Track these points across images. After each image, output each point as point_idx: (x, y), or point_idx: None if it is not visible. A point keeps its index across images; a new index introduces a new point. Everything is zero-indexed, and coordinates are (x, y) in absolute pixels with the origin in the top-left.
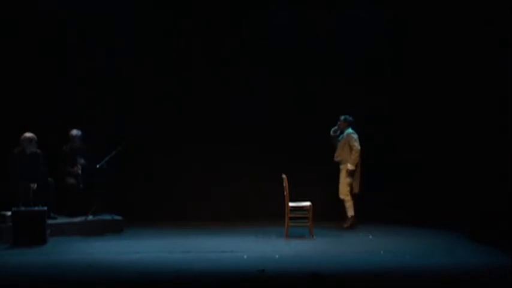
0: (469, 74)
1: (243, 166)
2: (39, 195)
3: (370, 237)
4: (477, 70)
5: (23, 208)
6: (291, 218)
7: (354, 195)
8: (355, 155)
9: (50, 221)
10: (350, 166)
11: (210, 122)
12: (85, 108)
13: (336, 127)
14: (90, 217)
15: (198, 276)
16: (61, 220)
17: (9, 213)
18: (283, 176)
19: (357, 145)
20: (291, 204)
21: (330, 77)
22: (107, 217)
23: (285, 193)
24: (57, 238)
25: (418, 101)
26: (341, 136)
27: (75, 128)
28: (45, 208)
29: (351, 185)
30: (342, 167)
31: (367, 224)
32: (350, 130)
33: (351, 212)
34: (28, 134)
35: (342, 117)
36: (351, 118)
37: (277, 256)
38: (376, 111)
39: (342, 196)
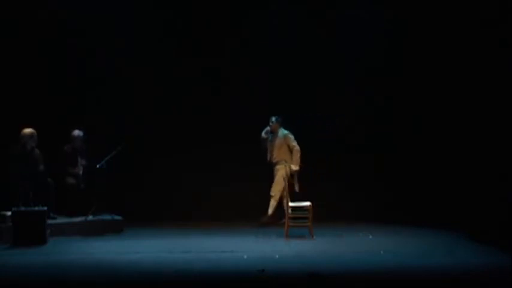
0: (469, 73)
1: (243, 166)
2: (39, 195)
3: (370, 237)
4: (477, 70)
5: (23, 208)
6: (290, 218)
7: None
8: (297, 156)
9: (50, 221)
10: (295, 167)
11: (210, 122)
12: (85, 108)
13: (268, 128)
14: (90, 217)
15: (198, 276)
16: (61, 220)
17: (9, 213)
18: (283, 176)
19: (296, 145)
20: (291, 204)
21: (329, 77)
22: (107, 217)
23: (285, 193)
24: (57, 238)
25: (418, 101)
26: (271, 137)
27: (76, 128)
28: (45, 208)
29: (289, 185)
30: (278, 167)
31: (367, 224)
32: (285, 131)
33: (271, 211)
34: (28, 129)
35: (274, 118)
36: (281, 119)
37: (277, 256)
38: (376, 111)
39: (272, 193)
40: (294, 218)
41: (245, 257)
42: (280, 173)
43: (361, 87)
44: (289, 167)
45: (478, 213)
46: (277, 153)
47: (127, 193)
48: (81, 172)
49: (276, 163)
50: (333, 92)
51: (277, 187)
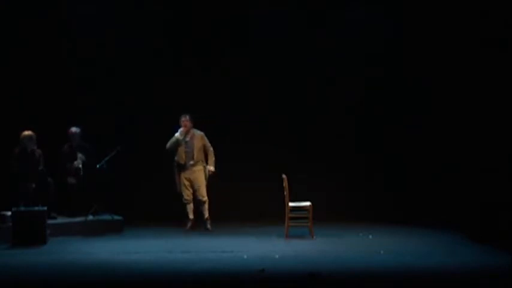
0: (469, 73)
1: (243, 166)
2: (39, 195)
3: (370, 237)
4: (477, 69)
5: (23, 208)
6: (291, 218)
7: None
8: (214, 157)
9: (50, 221)
10: (213, 168)
11: (210, 122)
12: (85, 108)
13: (182, 128)
14: (90, 217)
15: (198, 276)
16: (61, 220)
17: (9, 213)
18: (283, 176)
19: (211, 146)
20: (291, 204)
21: (329, 76)
22: (107, 217)
23: (285, 193)
24: (57, 238)
25: (418, 101)
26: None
27: (73, 126)
28: (45, 208)
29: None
30: (197, 168)
31: (367, 224)
32: (198, 131)
33: (192, 215)
34: (27, 132)
35: (188, 116)
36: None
37: (277, 256)
38: (376, 111)
39: (204, 198)
40: (294, 218)
41: (245, 257)
42: (203, 175)
43: (361, 86)
44: (207, 169)
45: (477, 214)
46: (197, 154)
47: (127, 193)
48: (80, 166)
49: (195, 164)
50: (332, 92)
51: (205, 190)
